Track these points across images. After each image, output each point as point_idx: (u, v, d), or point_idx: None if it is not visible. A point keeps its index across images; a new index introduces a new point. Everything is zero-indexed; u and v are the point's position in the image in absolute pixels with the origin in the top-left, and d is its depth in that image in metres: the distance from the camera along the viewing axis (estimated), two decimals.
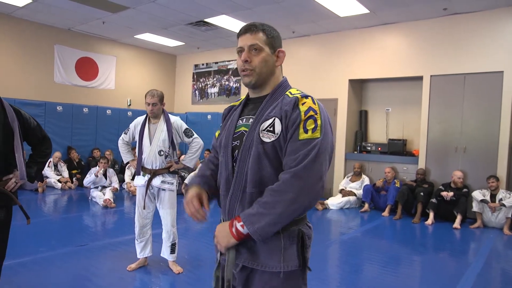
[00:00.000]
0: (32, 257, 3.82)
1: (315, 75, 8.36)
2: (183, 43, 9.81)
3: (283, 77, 1.50)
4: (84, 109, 9.18)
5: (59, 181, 7.87)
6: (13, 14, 7.97)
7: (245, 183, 1.38)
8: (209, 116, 10.21)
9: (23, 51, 8.33)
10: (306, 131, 1.29)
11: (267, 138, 1.35)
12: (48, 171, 7.89)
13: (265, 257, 1.37)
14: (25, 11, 7.70)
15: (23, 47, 8.32)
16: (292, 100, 1.35)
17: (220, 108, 10.03)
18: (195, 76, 10.94)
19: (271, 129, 1.35)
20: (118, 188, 7.31)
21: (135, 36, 9.35)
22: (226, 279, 1.40)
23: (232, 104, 1.62)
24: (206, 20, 7.73)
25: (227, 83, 10.25)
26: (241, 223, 1.28)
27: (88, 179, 6.90)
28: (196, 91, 10.92)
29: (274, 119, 1.35)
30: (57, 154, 8.13)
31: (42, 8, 7.46)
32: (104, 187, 6.94)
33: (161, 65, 11.11)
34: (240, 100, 1.57)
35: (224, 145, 1.46)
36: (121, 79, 10.13)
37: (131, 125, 3.72)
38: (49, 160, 8.03)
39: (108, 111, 9.55)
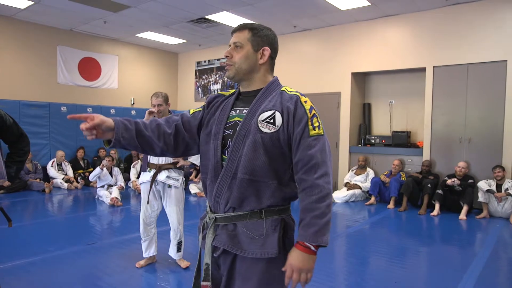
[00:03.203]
0: (42, 256, 3.86)
1: (318, 69, 8.35)
2: (184, 41, 9.81)
3: (274, 76, 1.58)
4: (88, 109, 9.20)
5: (66, 181, 7.92)
6: (15, 17, 8.00)
7: (236, 169, 1.43)
8: None
9: (26, 52, 8.37)
10: (314, 128, 1.41)
11: (267, 129, 1.42)
12: (52, 171, 7.95)
13: (246, 243, 1.43)
14: (27, 13, 7.73)
15: (26, 49, 8.35)
16: (294, 98, 1.45)
17: None
18: (197, 73, 10.95)
19: (271, 121, 1.42)
20: (124, 187, 7.35)
21: (137, 35, 9.36)
22: (205, 262, 1.48)
23: (220, 93, 1.67)
24: (207, 17, 7.73)
25: (229, 79, 10.24)
26: (312, 244, 1.36)
27: (93, 173, 6.98)
28: (199, 88, 10.93)
29: (275, 112, 1.43)
30: (61, 153, 8.19)
31: (44, 9, 7.48)
32: (110, 186, 6.98)
33: (164, 63, 11.12)
34: (230, 92, 1.64)
35: (215, 133, 1.51)
36: (124, 78, 10.16)
37: None
38: (52, 160, 8.10)
39: (112, 111, 9.59)
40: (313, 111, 1.43)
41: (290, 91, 1.49)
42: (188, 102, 11.11)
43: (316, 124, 1.41)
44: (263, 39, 1.51)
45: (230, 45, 1.52)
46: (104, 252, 4.07)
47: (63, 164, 8.21)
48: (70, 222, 5.53)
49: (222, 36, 9.24)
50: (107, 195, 6.62)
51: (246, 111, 1.48)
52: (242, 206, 1.45)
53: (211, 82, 10.62)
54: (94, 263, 3.75)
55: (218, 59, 10.41)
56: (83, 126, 1.33)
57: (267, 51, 1.52)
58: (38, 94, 8.50)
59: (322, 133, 1.42)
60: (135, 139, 1.46)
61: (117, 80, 10.03)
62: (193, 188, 7.62)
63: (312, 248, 1.36)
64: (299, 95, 1.46)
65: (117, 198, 6.45)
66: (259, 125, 1.43)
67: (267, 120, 1.43)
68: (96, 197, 6.96)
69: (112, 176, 7.13)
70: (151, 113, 3.44)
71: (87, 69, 9.40)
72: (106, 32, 9.14)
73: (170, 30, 8.80)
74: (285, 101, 1.44)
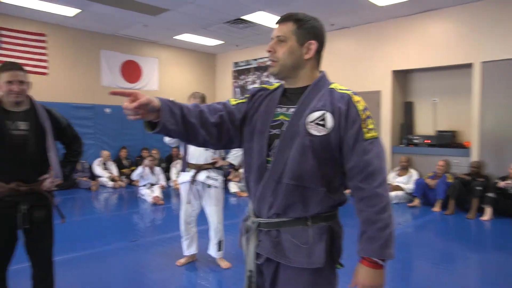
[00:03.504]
0: (89, 251, 4.02)
1: (357, 68, 8.17)
2: (222, 42, 9.91)
3: (321, 71, 1.46)
4: None
5: (111, 179, 8.20)
6: (65, 24, 8.40)
7: (281, 174, 1.34)
8: None
9: (73, 57, 8.76)
10: (368, 131, 1.30)
11: (316, 131, 1.31)
12: (98, 170, 8.27)
13: (290, 251, 1.34)
14: (75, 20, 8.08)
15: (73, 54, 8.75)
16: (345, 97, 1.33)
17: None
18: (235, 74, 11.03)
19: (322, 122, 1.31)
20: (166, 186, 7.52)
21: (175, 37, 9.55)
22: (248, 269, 1.41)
23: (263, 86, 1.54)
24: (243, 17, 7.76)
25: (267, 79, 10.25)
26: (379, 258, 1.28)
27: (136, 172, 7.21)
28: (237, 89, 11.01)
29: (325, 113, 1.32)
30: (106, 153, 8.51)
31: (90, 16, 7.79)
32: (152, 184, 7.16)
33: (202, 64, 11.29)
34: (274, 86, 1.51)
35: (260, 131, 1.41)
36: (164, 80, 10.40)
37: None
38: (98, 159, 8.42)
39: None
40: (367, 112, 1.32)
41: (341, 89, 1.36)
42: None
43: (370, 126, 1.30)
44: (309, 31, 1.38)
45: (272, 38, 1.39)
46: (147, 250, 4.18)
47: (108, 163, 8.52)
48: (114, 219, 5.73)
49: (259, 37, 9.25)
50: (149, 193, 6.80)
51: (293, 110, 1.37)
52: (286, 212, 1.35)
53: (249, 83, 10.66)
54: (137, 260, 3.86)
55: (255, 59, 10.44)
56: (128, 104, 1.16)
57: (314, 45, 1.38)
58: (84, 96, 8.87)
59: (377, 135, 1.32)
60: (181, 124, 1.31)
61: (158, 81, 10.29)
62: (233, 188, 7.68)
63: (380, 262, 1.27)
64: (351, 94, 1.34)
65: (158, 196, 6.61)
66: (308, 126, 1.31)
67: (317, 121, 1.31)
68: (138, 195, 7.16)
69: (154, 175, 7.31)
70: None
71: (129, 71, 9.71)
72: (146, 35, 9.39)
73: (208, 31, 8.91)
74: (336, 101, 1.32)
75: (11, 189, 2.41)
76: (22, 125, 2.47)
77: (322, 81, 1.41)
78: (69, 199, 7.04)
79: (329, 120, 1.31)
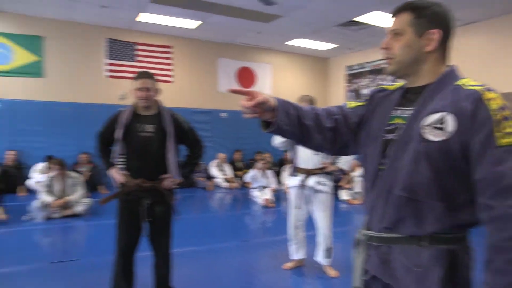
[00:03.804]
0: (204, 247, 4.30)
1: (488, 66, 7.29)
2: (334, 45, 9.77)
3: (449, 65, 1.26)
4: (244, 115, 9.95)
5: (226, 181, 8.70)
6: (188, 36, 9.20)
7: (393, 183, 1.20)
8: None
9: (193, 66, 9.55)
10: (504, 135, 1.05)
11: (433, 136, 1.12)
12: (214, 171, 8.83)
13: (400, 273, 1.19)
14: (196, 31, 8.79)
15: (193, 63, 9.54)
16: (473, 94, 1.10)
17: None
18: (348, 78, 10.77)
19: (440, 126, 1.12)
20: (277, 189, 7.68)
21: (286, 43, 9.71)
22: (354, 285, 1.32)
23: (383, 86, 1.40)
24: (355, 19, 7.54)
25: (382, 83, 9.79)
26: None
27: (249, 174, 7.51)
28: (350, 93, 10.73)
29: (445, 115, 1.12)
30: (222, 155, 9.04)
31: (209, 27, 8.40)
32: (263, 187, 7.38)
33: (314, 68, 11.28)
34: (396, 86, 1.36)
35: (374, 136, 1.29)
36: (277, 85, 10.65)
37: None
38: (214, 161, 8.98)
39: None
40: (505, 112, 1.06)
41: (470, 86, 1.14)
42: None
43: (508, 130, 1.05)
44: (430, 19, 1.19)
45: (387, 34, 1.25)
46: (256, 250, 4.31)
47: (223, 165, 9.05)
48: (227, 218, 6.06)
49: (374, 38, 8.88)
50: (260, 196, 7.01)
51: (411, 112, 1.21)
52: (398, 228, 1.21)
53: (363, 86, 10.31)
54: (246, 259, 4.00)
55: (370, 62, 10.05)
56: (245, 102, 1.19)
57: (436, 34, 1.19)
58: (202, 102, 9.58)
59: None
60: (296, 125, 1.28)
61: (271, 87, 10.59)
62: (344, 195, 7.48)
63: None
64: (483, 90, 1.11)
65: (269, 199, 6.78)
66: (423, 131, 1.14)
67: (435, 125, 1.12)
68: (250, 197, 7.44)
69: (265, 178, 7.53)
70: None
71: (244, 77, 10.19)
72: (260, 42, 9.74)
73: (320, 35, 8.87)
74: (461, 100, 1.11)
75: (136, 184, 2.72)
76: (149, 128, 2.77)
77: (449, 77, 1.20)
78: (187, 197, 7.65)
79: (450, 123, 1.10)
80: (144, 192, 2.75)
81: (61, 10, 7.52)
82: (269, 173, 7.69)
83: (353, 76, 10.60)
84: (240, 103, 1.20)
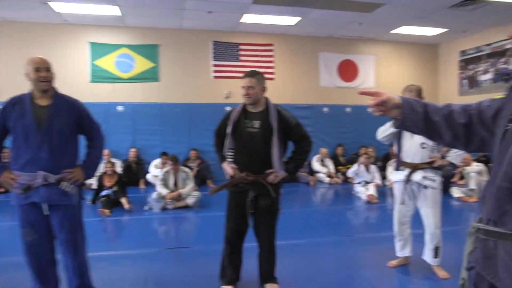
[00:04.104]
0: (305, 240, 4.35)
1: None
2: (445, 29, 8.96)
3: None
4: (346, 109, 9.77)
5: (328, 176, 8.62)
6: (288, 33, 9.32)
7: (497, 173, 1.13)
8: None
9: (294, 62, 9.63)
10: None
11: None
12: (317, 166, 8.80)
13: (502, 272, 1.10)
14: (295, 28, 8.85)
15: (294, 59, 9.62)
16: None
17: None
18: (461, 64, 9.80)
19: None
20: (381, 184, 7.38)
21: (392, 32, 9.21)
22: (461, 276, 1.27)
23: None
24: None
25: (504, 66, 8.70)
26: None
27: (351, 169, 7.35)
28: (464, 81, 9.76)
29: None
30: (325, 150, 8.97)
31: (309, 22, 8.38)
32: (367, 182, 7.15)
33: (421, 56, 10.50)
34: None
35: (501, 126, 1.22)
36: (381, 76, 10.18)
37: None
38: (317, 156, 8.95)
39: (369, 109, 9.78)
40: None
41: None
42: (451, 96, 10.09)
43: None
44: None
45: None
46: (359, 246, 4.22)
47: (325, 160, 8.98)
48: (329, 213, 6.03)
49: (494, 17, 7.91)
50: (364, 191, 6.81)
51: None
52: (503, 222, 1.13)
53: (480, 73, 9.29)
54: (349, 254, 3.95)
55: (489, 45, 8.99)
56: (371, 102, 1.35)
57: None
58: (303, 97, 9.60)
59: None
60: (422, 122, 1.34)
61: (374, 79, 10.17)
62: (456, 192, 6.87)
63: None
64: None
65: (373, 195, 6.55)
66: None
67: None
68: (353, 192, 7.27)
69: (369, 173, 7.28)
70: None
71: (346, 71, 9.95)
72: (362, 33, 9.40)
73: (428, 20, 8.22)
74: None
75: (241, 177, 2.87)
76: (256, 124, 2.90)
77: None
78: (290, 191, 7.76)
79: None
80: (249, 184, 2.89)
81: (173, 19, 8.22)
82: (373, 168, 7.41)
83: (468, 62, 9.59)
84: (369, 103, 1.35)
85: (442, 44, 10.43)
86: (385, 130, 3.48)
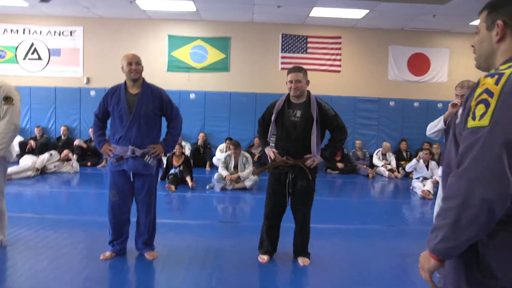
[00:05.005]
0: (353, 226, 4.59)
1: None
2: None
3: None
4: (414, 104, 9.55)
5: (389, 169, 8.59)
6: (356, 26, 9.33)
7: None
8: None
9: (362, 55, 9.61)
10: (474, 118, 1.13)
11: (457, 119, 1.27)
12: (376, 159, 8.80)
13: (449, 276, 1.28)
14: (364, 20, 8.84)
15: (362, 52, 9.60)
16: (477, 81, 1.19)
17: None
18: None
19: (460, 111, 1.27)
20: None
21: (471, 23, 8.77)
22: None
23: None
24: None
25: None
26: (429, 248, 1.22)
27: (410, 164, 7.30)
28: None
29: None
30: (387, 145, 8.92)
31: (378, 15, 8.33)
32: (425, 178, 7.06)
33: None
34: None
35: None
36: (455, 70, 9.73)
37: None
38: (378, 150, 8.94)
39: (439, 105, 9.46)
40: (483, 96, 1.12)
41: (494, 70, 1.20)
42: None
43: (479, 113, 1.11)
44: (495, 9, 1.27)
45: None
46: (412, 239, 4.32)
47: (387, 154, 8.93)
48: (383, 205, 6.14)
49: None
50: (421, 187, 6.76)
51: None
52: None
53: None
54: (394, 246, 4.09)
55: None
56: None
57: (498, 25, 1.24)
58: (370, 90, 9.57)
59: (484, 124, 1.09)
60: None
61: (447, 73, 9.78)
62: None
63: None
64: (483, 76, 1.18)
65: (429, 191, 6.48)
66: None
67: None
68: (411, 187, 7.22)
69: (428, 169, 7.18)
70: (454, 105, 3.20)
71: (416, 64, 9.69)
72: (436, 25, 9.07)
73: None
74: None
75: (283, 160, 3.24)
76: (298, 113, 3.26)
77: (498, 64, 1.26)
78: (349, 182, 7.92)
79: (461, 109, 1.27)
80: (289, 167, 3.26)
81: (244, 13, 8.70)
82: (433, 164, 7.27)
83: None
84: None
85: None
86: (434, 126, 3.51)
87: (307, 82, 3.27)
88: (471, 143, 1.11)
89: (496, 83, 1.11)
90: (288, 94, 3.32)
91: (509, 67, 1.16)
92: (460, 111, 1.27)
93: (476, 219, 1.08)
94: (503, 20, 1.23)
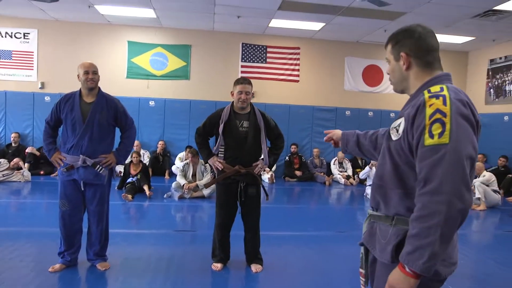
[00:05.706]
0: (303, 233, 4.71)
1: None
2: (472, 38, 8.95)
3: (437, 75, 1.41)
4: (369, 113, 9.95)
5: (345, 177, 8.87)
6: (313, 37, 9.62)
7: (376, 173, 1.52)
8: (506, 117, 8.86)
9: (319, 65, 9.94)
10: (431, 136, 1.22)
11: (394, 136, 1.39)
12: (333, 167, 9.08)
13: (376, 242, 1.48)
14: (321, 33, 9.16)
15: (319, 62, 9.94)
16: (419, 101, 1.29)
17: None
18: (490, 73, 9.71)
19: (397, 128, 1.38)
20: None
21: None
22: (361, 251, 1.63)
23: None
24: (496, 8, 6.85)
25: None
26: (407, 266, 1.24)
27: (363, 171, 7.62)
28: (491, 89, 9.67)
29: (402, 119, 1.37)
30: (341, 153, 9.23)
31: (334, 28, 8.67)
32: None
33: (451, 63, 10.40)
34: None
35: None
36: None
37: None
38: (334, 158, 9.23)
39: (392, 114, 9.91)
40: (437, 115, 1.21)
41: (428, 93, 1.29)
42: (478, 106, 9.87)
43: (436, 131, 1.20)
44: (398, 44, 1.45)
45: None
46: (350, 241, 4.50)
47: (344, 162, 9.23)
48: (337, 212, 6.35)
49: None
50: None
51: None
52: (378, 208, 1.50)
53: (507, 82, 9.19)
54: (345, 251, 4.27)
55: None
56: (325, 138, 2.01)
57: (403, 56, 1.43)
58: (327, 99, 9.90)
59: (444, 141, 1.19)
60: (355, 146, 1.85)
61: None
62: None
63: (407, 269, 1.23)
64: (428, 97, 1.27)
65: None
66: (391, 131, 1.42)
67: (395, 127, 1.39)
68: (364, 194, 7.51)
69: None
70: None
71: (370, 75, 10.13)
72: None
73: (453, 29, 8.28)
74: (412, 106, 1.33)
75: (235, 170, 3.31)
76: (245, 124, 3.35)
77: (424, 86, 1.38)
78: (307, 189, 8.12)
79: (401, 126, 1.35)
80: (240, 176, 3.34)
81: (204, 22, 8.78)
82: None
83: (496, 70, 9.50)
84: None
85: (472, 52, 10.35)
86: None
87: (253, 94, 3.43)
88: (436, 160, 1.20)
89: (444, 104, 1.24)
90: (232, 105, 3.40)
91: (441, 88, 1.30)
92: (396, 127, 1.39)
93: (455, 228, 1.21)
94: (405, 52, 1.43)
